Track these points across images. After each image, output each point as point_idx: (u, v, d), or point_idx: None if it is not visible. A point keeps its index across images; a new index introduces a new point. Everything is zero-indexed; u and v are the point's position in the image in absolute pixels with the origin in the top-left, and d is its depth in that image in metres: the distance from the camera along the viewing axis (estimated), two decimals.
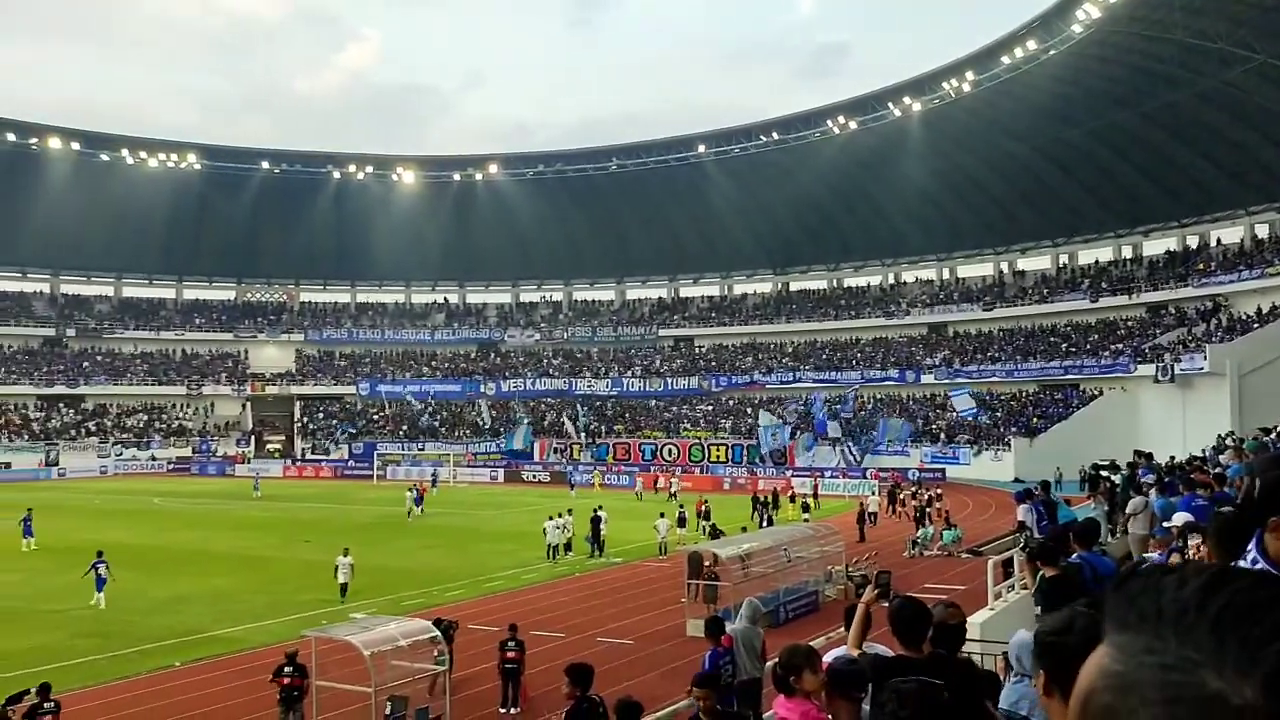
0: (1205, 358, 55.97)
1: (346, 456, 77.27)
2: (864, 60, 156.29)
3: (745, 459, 67.94)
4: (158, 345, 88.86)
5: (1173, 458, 31.75)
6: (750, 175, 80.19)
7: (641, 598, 27.75)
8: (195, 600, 27.71)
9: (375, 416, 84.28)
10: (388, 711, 15.76)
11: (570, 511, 36.42)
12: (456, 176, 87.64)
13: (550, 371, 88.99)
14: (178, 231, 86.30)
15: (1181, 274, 66.87)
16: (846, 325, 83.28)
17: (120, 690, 19.31)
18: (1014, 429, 64.36)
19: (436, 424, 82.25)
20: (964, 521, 39.30)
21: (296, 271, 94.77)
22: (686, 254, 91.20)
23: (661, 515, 36.77)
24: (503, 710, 17.84)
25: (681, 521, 37.65)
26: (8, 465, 72.52)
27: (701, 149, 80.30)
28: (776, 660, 5.68)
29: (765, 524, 38.39)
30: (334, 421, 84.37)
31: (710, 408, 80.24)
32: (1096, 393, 64.37)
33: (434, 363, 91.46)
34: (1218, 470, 17.70)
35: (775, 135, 76.82)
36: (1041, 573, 8.61)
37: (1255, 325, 57.43)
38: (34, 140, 76.78)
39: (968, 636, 8.03)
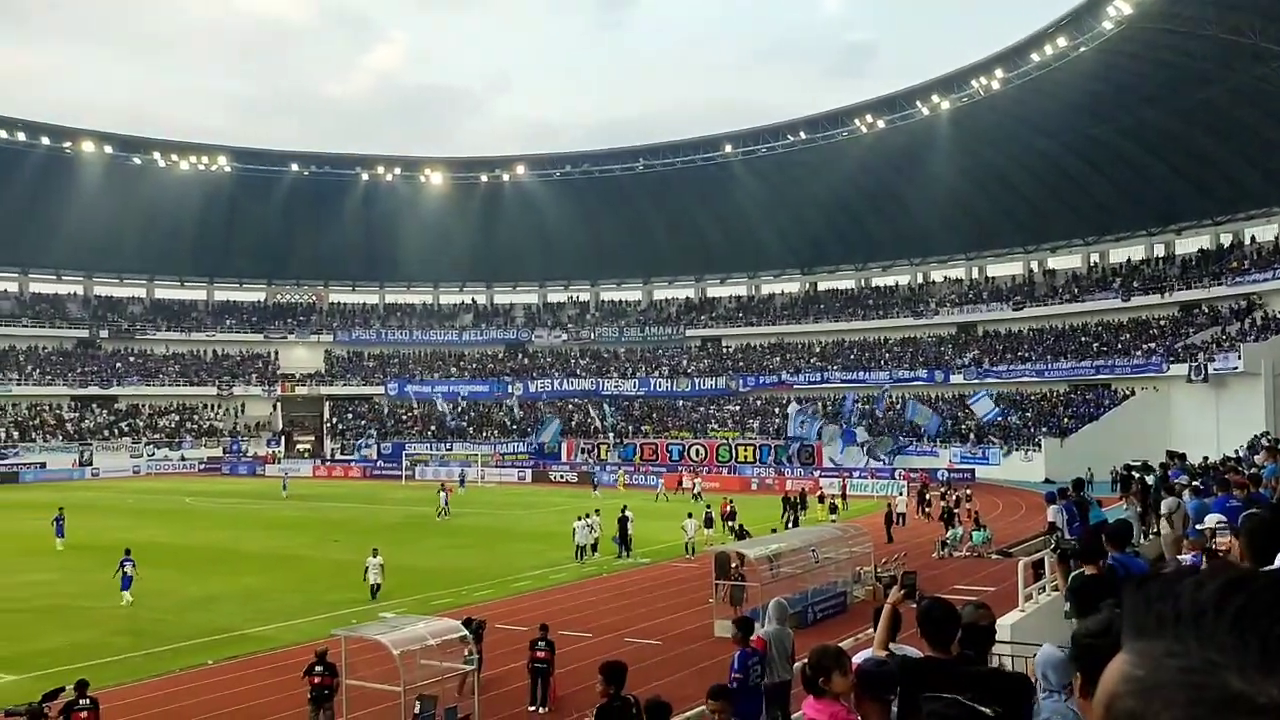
0: (1239, 357, 55.35)
1: (375, 457, 77.71)
2: (891, 59, 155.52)
3: (773, 459, 67.80)
4: (189, 346, 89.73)
5: (1206, 458, 31.45)
6: (777, 175, 79.99)
7: (669, 598, 27.76)
8: (227, 599, 27.97)
9: (404, 417, 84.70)
10: (417, 710, 15.83)
11: (598, 512, 36.46)
12: (484, 178, 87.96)
13: (577, 372, 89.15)
14: (209, 233, 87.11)
15: (1215, 272, 66.15)
16: (875, 325, 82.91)
17: (154, 688, 19.52)
18: (1044, 429, 63.85)
19: (465, 424, 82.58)
20: (994, 522, 39.05)
21: (326, 273, 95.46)
22: (713, 254, 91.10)
23: (689, 516, 36.75)
24: (532, 709, 17.90)
25: (709, 522, 37.61)
26: (43, 465, 73.45)
27: (728, 149, 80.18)
28: (805, 661, 5.67)
29: (791, 525, 38.19)
30: (363, 422, 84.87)
31: (737, 408, 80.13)
32: (1128, 393, 63.76)
33: (462, 363, 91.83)
34: (1253, 471, 17.50)
35: (803, 135, 76.60)
36: (1074, 574, 8.56)
37: None
38: (68, 144, 77.79)
39: (998, 638, 8.00)
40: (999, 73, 63.68)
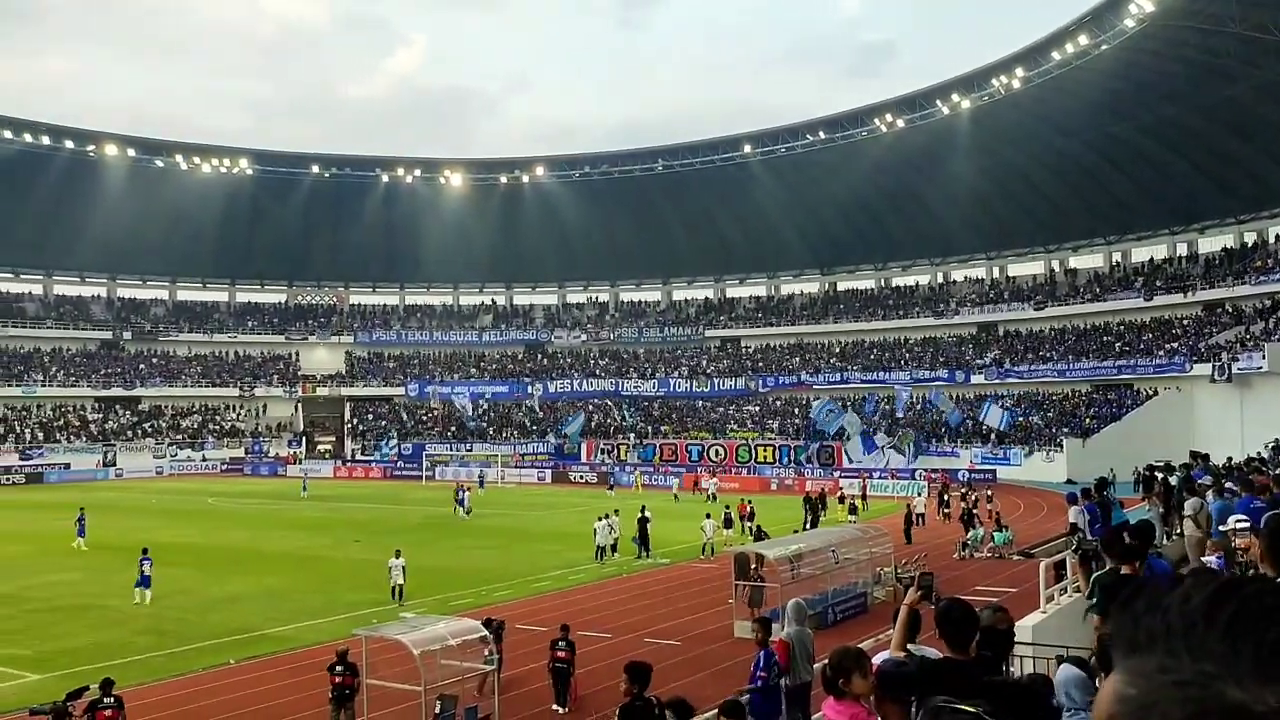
0: (1263, 357, 54.87)
1: (396, 457, 78.01)
2: (909, 59, 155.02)
3: (792, 459, 67.68)
4: (211, 348, 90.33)
5: (1229, 459, 31.24)
6: (797, 175, 79.83)
7: (689, 599, 27.75)
8: (249, 599, 28.13)
9: (424, 418, 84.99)
10: (437, 710, 15.89)
11: (617, 512, 36.47)
12: (503, 179, 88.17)
13: (597, 372, 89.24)
14: (230, 235, 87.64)
15: (1239, 271, 65.60)
16: (895, 325, 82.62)
17: (177, 687, 19.65)
18: (1066, 430, 63.46)
19: (484, 425, 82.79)
20: (1015, 523, 38.87)
21: (346, 274, 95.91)
22: (733, 254, 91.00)
23: (707, 516, 36.74)
24: (555, 709, 17.94)
25: (728, 523, 37.57)
26: (67, 466, 74.07)
27: (747, 149, 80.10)
28: (826, 662, 5.66)
29: (809, 526, 38.00)
30: (383, 423, 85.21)
31: (757, 408, 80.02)
32: (1151, 393, 63.31)
33: (482, 364, 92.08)
34: (1277, 472, 17.36)
35: (822, 134, 76.45)
36: (1099, 573, 8.51)
37: None
38: (91, 147, 78.48)
39: (1019, 640, 7.95)
40: (1020, 71, 63.39)
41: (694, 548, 35.45)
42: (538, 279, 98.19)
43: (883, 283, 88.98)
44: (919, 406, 71.72)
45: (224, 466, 79.15)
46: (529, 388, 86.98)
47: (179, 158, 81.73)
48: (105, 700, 14.81)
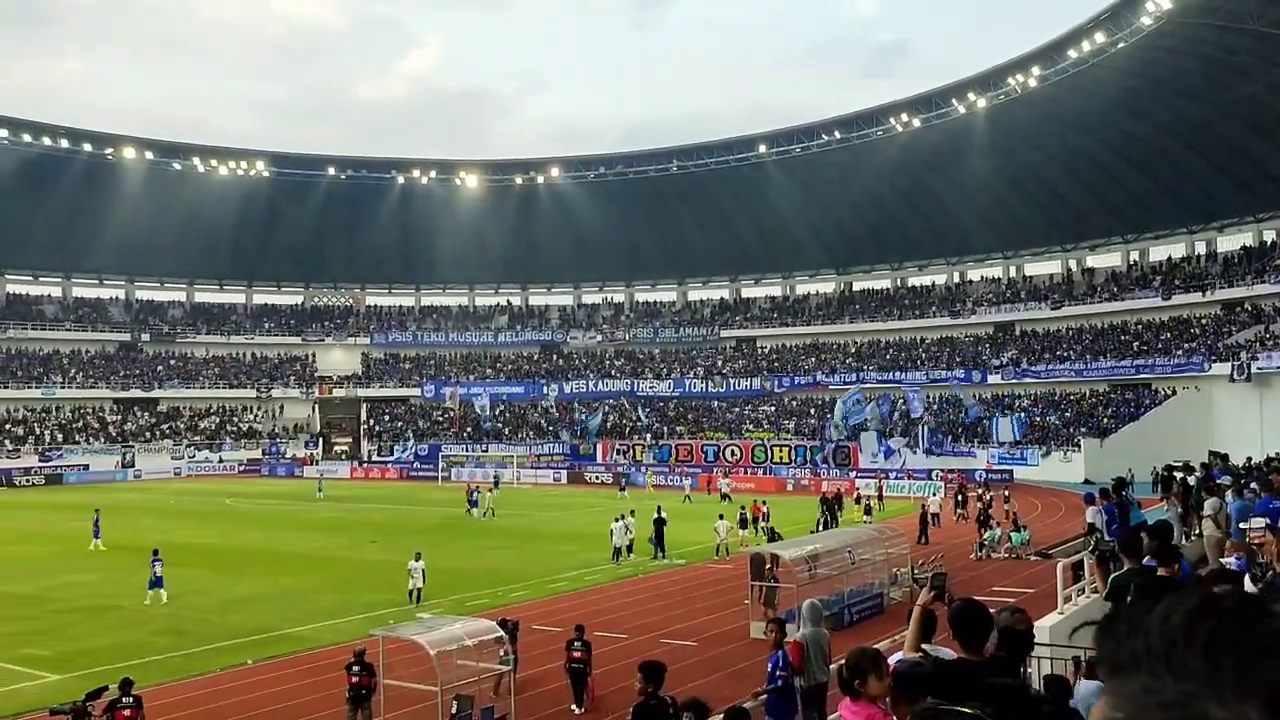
0: None
1: (412, 458, 78.22)
2: (924, 60, 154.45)
3: (809, 459, 67.56)
4: (228, 349, 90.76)
5: (1249, 459, 31.01)
6: (812, 175, 79.69)
7: (705, 599, 27.73)
8: (266, 599, 28.24)
9: (439, 418, 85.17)
10: (454, 710, 15.92)
11: (633, 513, 36.47)
12: (518, 179, 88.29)
13: (612, 373, 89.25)
14: (247, 237, 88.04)
15: (1258, 269, 65.16)
16: (911, 325, 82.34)
17: (196, 687, 19.75)
18: (1084, 429, 63.14)
19: (500, 425, 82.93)
20: (1033, 523, 38.70)
21: (362, 275, 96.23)
22: (748, 254, 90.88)
23: (720, 517, 36.71)
24: (573, 709, 17.96)
25: (744, 523, 37.51)
26: (86, 467, 74.52)
27: (763, 149, 80.00)
28: (843, 663, 5.65)
29: (822, 526, 37.76)
30: (399, 424, 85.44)
31: (773, 408, 79.88)
32: (1169, 392, 62.95)
33: (497, 365, 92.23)
34: None
35: (837, 134, 76.29)
36: (1117, 574, 8.46)
37: None
38: (109, 150, 79.03)
39: (1036, 640, 7.93)
40: (1036, 70, 63.13)
41: (709, 548, 35.43)
42: (553, 280, 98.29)
43: (899, 282, 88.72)
44: (935, 407, 71.44)
45: (241, 467, 79.53)
46: (544, 388, 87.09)
47: (196, 160, 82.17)
48: (124, 700, 14.90)
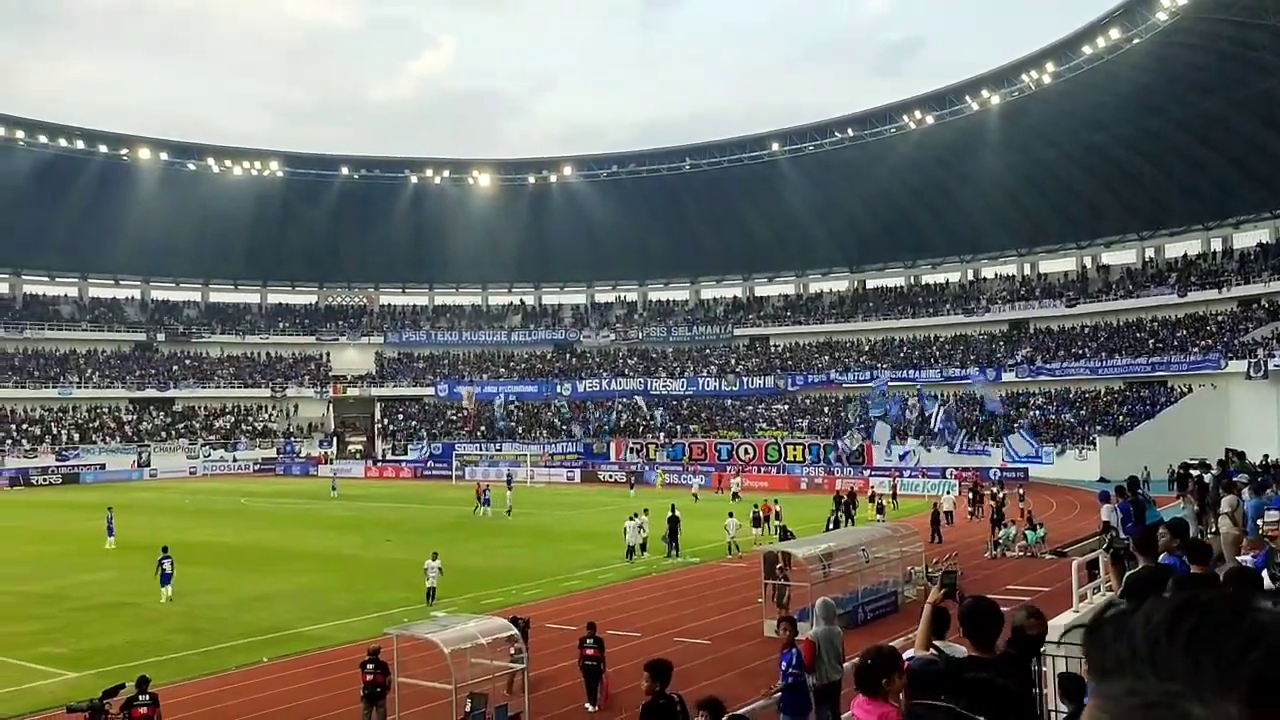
0: None
1: (425, 457, 78.38)
2: (936, 57, 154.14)
3: (822, 458, 67.43)
4: (243, 349, 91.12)
5: (1266, 456, 30.84)
6: (824, 173, 79.52)
7: (718, 597, 27.71)
8: (281, 598, 28.34)
9: (453, 417, 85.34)
10: (468, 709, 15.95)
11: (646, 511, 36.47)
12: (531, 179, 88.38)
13: (625, 371, 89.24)
14: (261, 237, 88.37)
15: (1275, 266, 64.73)
16: (925, 323, 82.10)
17: (211, 685, 19.84)
18: (1099, 428, 62.85)
19: (513, 425, 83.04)
20: (1048, 522, 38.53)
21: (376, 275, 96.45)
22: (761, 253, 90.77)
23: (730, 515, 36.69)
24: (588, 707, 17.98)
25: (757, 522, 37.41)
26: (103, 466, 74.96)
27: (775, 147, 79.88)
28: (861, 661, 5.63)
29: (833, 525, 37.55)
30: (413, 423, 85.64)
31: (786, 407, 79.76)
32: (1185, 390, 62.62)
33: (511, 364, 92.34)
34: None
35: (850, 132, 76.13)
36: (1129, 573, 8.42)
37: None
38: (124, 151, 79.45)
39: (1050, 639, 7.91)
40: (1050, 66, 62.88)
41: (722, 547, 35.41)
42: (566, 279, 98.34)
43: (912, 280, 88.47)
44: (951, 405, 71.12)
45: (256, 467, 79.85)
46: (558, 388, 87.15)
47: (210, 160, 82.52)
48: (141, 698, 14.98)
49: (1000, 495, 40.24)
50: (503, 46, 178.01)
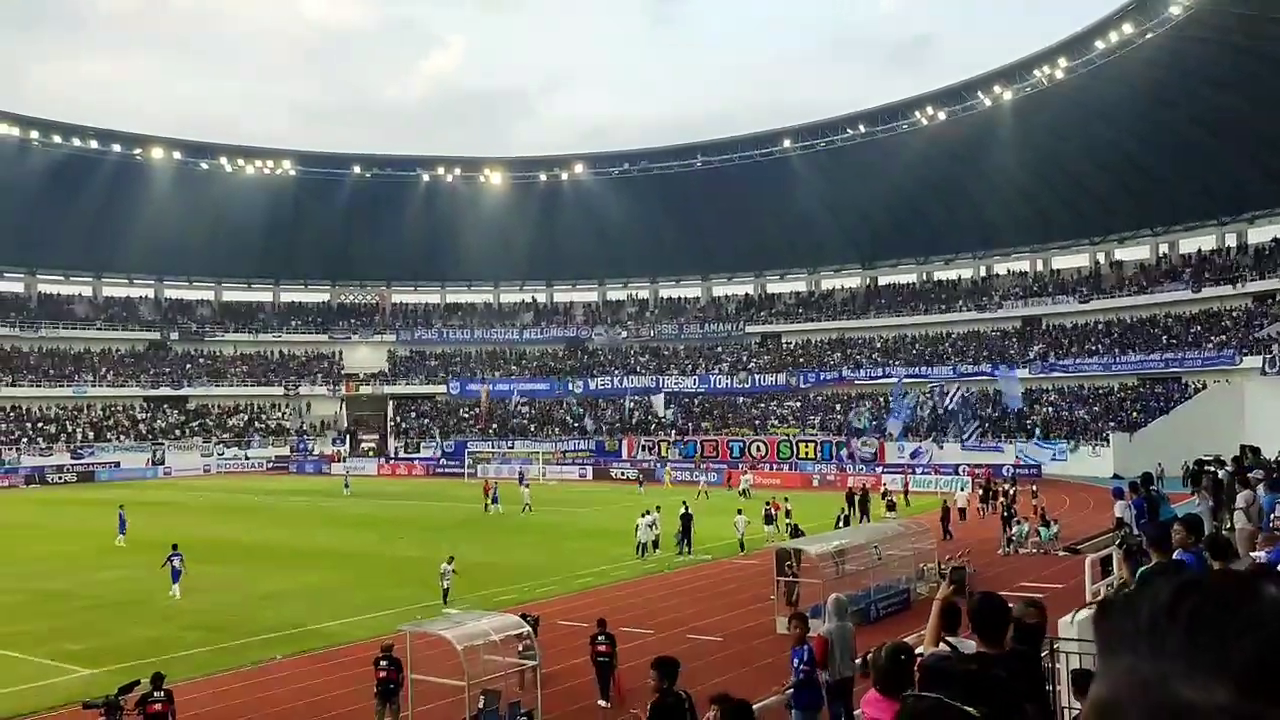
0: None
1: (438, 455, 78.50)
2: (948, 53, 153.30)
3: (834, 455, 67.34)
4: (256, 347, 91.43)
5: None
6: (837, 169, 79.34)
7: (730, 595, 27.72)
8: (295, 595, 28.45)
9: (465, 415, 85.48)
10: (481, 705, 16.00)
11: (659, 509, 36.48)
12: (543, 177, 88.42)
13: (637, 369, 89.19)
14: (274, 236, 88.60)
15: None
16: (937, 319, 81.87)
17: (226, 682, 19.94)
18: (1113, 424, 62.60)
19: (526, 422, 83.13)
20: (1061, 518, 38.39)
21: (388, 273, 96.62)
22: (773, 250, 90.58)
23: (739, 512, 36.66)
24: (600, 703, 18.01)
25: (768, 519, 37.39)
26: (117, 464, 75.34)
27: (787, 144, 79.73)
28: (887, 660, 5.58)
29: (843, 523, 37.44)
30: (425, 421, 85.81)
31: (798, 404, 79.63)
32: (1200, 386, 62.29)
33: (523, 361, 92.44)
34: None
35: (862, 128, 75.96)
36: (1142, 569, 8.40)
37: None
38: (138, 150, 79.83)
39: (1064, 635, 7.89)
40: (1063, 61, 62.64)
41: (733, 544, 35.41)
42: (578, 276, 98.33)
43: (925, 276, 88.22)
44: (971, 399, 70.90)
45: (270, 464, 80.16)
46: (570, 385, 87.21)
47: (223, 160, 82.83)
48: (155, 694, 15.07)
49: (1011, 491, 40.06)
50: (514, 45, 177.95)
